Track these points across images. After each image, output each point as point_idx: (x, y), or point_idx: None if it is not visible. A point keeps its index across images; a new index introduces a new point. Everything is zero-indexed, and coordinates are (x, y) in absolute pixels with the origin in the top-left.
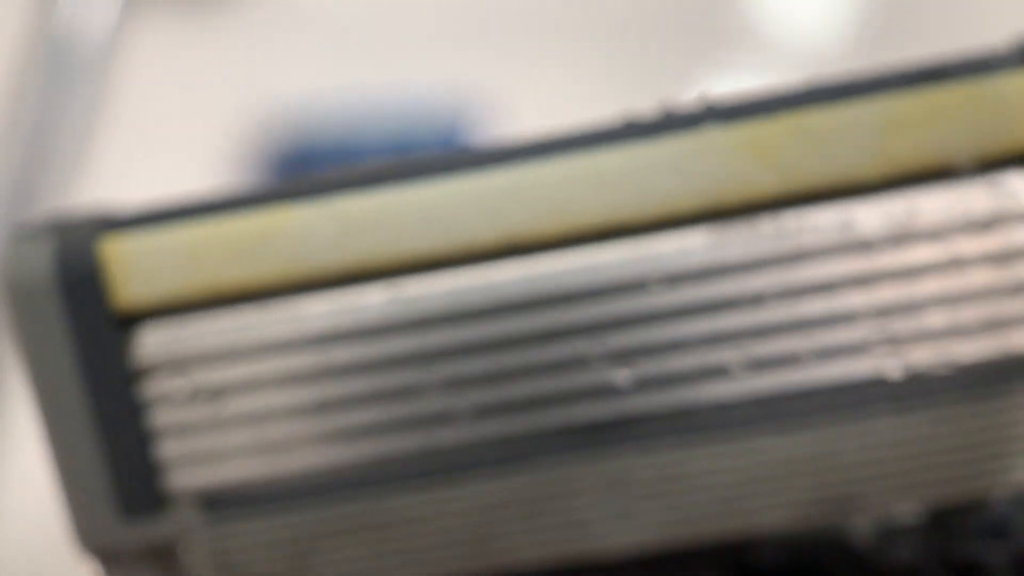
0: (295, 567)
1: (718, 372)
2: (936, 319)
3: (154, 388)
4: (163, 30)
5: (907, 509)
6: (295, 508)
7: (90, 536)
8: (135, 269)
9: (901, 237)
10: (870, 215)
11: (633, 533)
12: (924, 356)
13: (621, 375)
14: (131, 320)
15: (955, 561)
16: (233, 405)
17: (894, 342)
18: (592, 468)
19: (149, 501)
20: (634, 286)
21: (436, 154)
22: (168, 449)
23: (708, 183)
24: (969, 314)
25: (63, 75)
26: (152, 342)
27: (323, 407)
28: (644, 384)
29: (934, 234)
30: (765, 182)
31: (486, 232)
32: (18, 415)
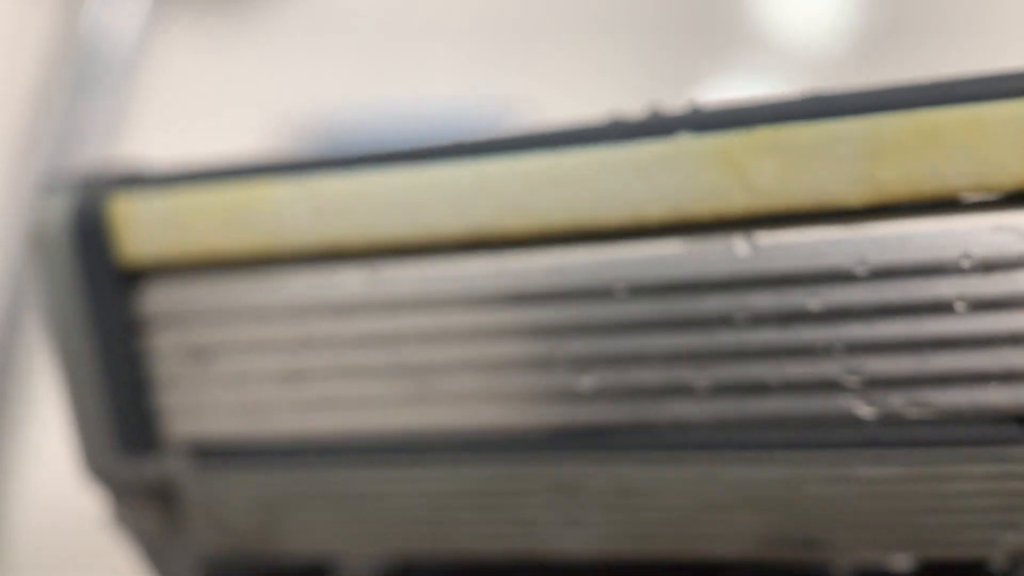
0: (263, 528)
1: (682, 390)
2: (920, 363)
3: (152, 340)
4: (192, 31)
5: (895, 558)
6: (267, 468)
7: (93, 467)
8: (138, 228)
9: (887, 270)
10: (854, 243)
11: (582, 541)
12: (904, 401)
13: (582, 381)
14: (134, 275)
15: None
16: (220, 364)
17: (871, 382)
18: (545, 470)
19: (145, 442)
20: (600, 292)
21: (416, 144)
22: (163, 397)
23: (676, 193)
24: (958, 361)
25: (91, 76)
26: (151, 297)
27: (298, 376)
28: (605, 393)
29: (927, 271)
30: (735, 197)
31: (457, 223)
32: (40, 399)
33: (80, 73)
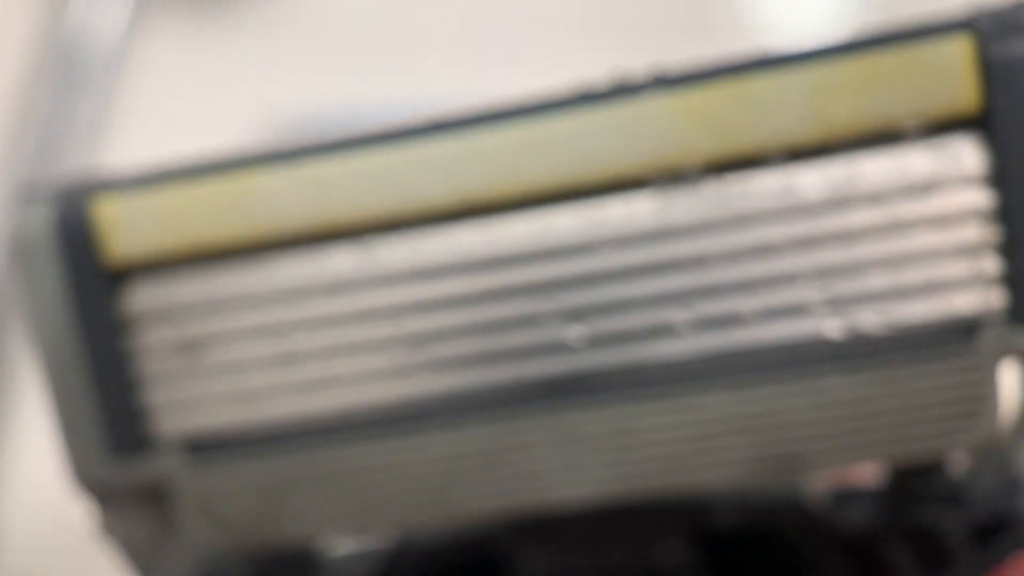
0: (263, 517)
1: (665, 331)
2: (878, 281)
3: (141, 338)
4: (175, 33)
5: (863, 473)
6: (266, 455)
7: (83, 473)
8: (123, 227)
9: (842, 200)
10: (811, 179)
11: (583, 486)
12: (867, 317)
13: (572, 333)
14: (120, 274)
15: (911, 527)
16: (213, 355)
17: (836, 303)
18: (544, 421)
19: (136, 442)
20: (585, 248)
21: (397, 122)
22: (153, 395)
23: (653, 147)
24: (911, 276)
25: (73, 78)
26: (139, 295)
27: (293, 358)
28: (595, 342)
29: (875, 197)
30: (706, 145)
31: (444, 194)
32: (28, 407)
33: (64, 73)
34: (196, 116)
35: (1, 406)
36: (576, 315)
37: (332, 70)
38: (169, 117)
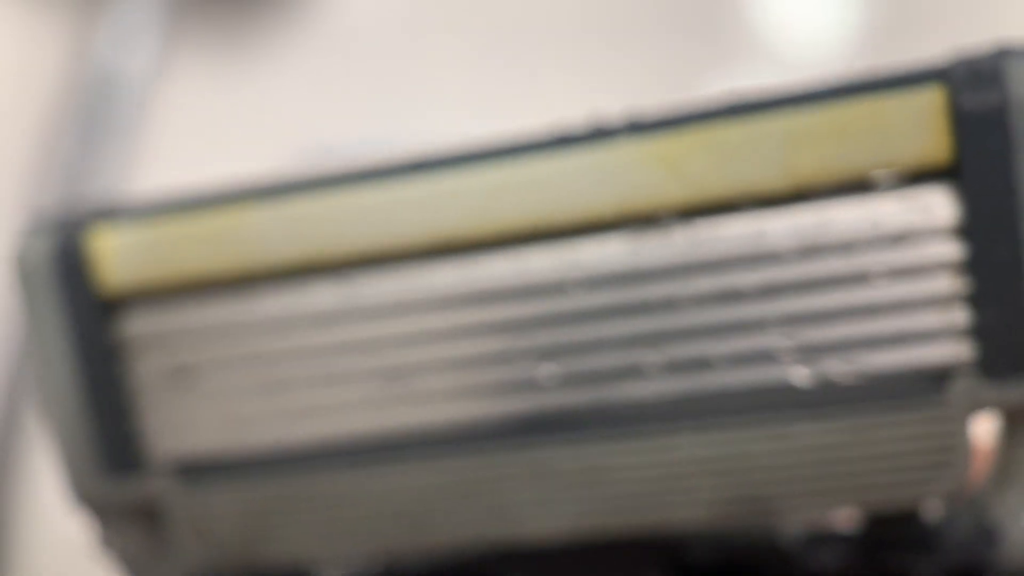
0: (250, 539)
1: (635, 372)
2: (847, 330)
3: (134, 364)
4: (202, 67)
5: (839, 516)
6: (252, 479)
7: (79, 491)
8: (118, 258)
9: (812, 249)
10: (781, 226)
11: (556, 520)
12: (836, 366)
13: (544, 371)
14: (115, 302)
15: (884, 572)
16: (203, 381)
17: (804, 351)
18: (517, 456)
19: (129, 463)
20: (557, 288)
21: (379, 162)
22: (146, 418)
23: (625, 191)
24: (880, 326)
25: (101, 112)
26: (133, 323)
27: (279, 387)
28: (566, 380)
29: (845, 246)
30: (677, 192)
31: (423, 232)
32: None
33: (92, 108)
34: (222, 150)
35: (19, 433)
36: (548, 354)
37: (362, 101)
38: (198, 149)
